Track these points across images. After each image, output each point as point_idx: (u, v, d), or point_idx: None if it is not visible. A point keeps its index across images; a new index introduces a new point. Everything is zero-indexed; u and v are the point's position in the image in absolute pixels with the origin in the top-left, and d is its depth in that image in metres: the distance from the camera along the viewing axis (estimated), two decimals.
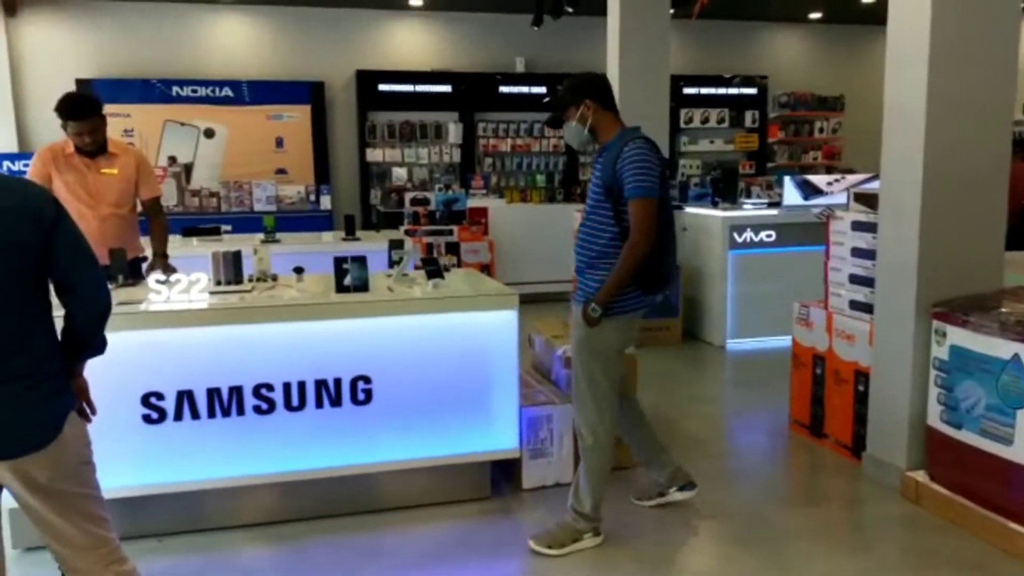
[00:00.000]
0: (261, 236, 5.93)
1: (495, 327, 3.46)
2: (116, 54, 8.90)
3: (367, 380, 3.41)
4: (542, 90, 9.79)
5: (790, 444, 4.44)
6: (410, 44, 9.65)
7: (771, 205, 7.07)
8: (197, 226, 6.26)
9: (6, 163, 7.93)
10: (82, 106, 3.90)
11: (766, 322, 6.51)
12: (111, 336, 2.98)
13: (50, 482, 2.01)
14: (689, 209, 7.11)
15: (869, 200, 4.19)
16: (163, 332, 3.20)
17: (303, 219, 8.01)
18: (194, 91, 9.07)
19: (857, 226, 4.17)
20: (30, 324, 2.00)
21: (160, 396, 3.20)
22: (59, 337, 2.13)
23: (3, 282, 1.92)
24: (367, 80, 9.44)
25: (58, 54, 8.69)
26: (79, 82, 8.42)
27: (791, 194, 6.99)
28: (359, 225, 7.81)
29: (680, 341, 6.60)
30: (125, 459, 3.19)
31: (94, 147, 3.96)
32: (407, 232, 7.49)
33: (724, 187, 7.01)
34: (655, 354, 5.98)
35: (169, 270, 3.98)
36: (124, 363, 3.14)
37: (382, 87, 9.48)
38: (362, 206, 9.50)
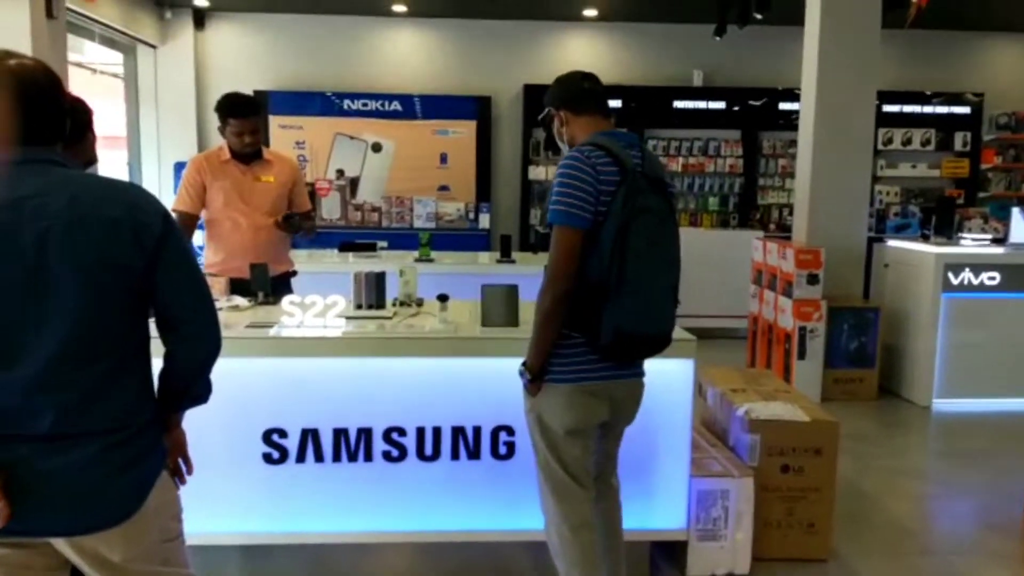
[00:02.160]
0: (415, 254, 5.66)
1: (666, 378, 2.85)
2: (292, 67, 9.06)
3: (510, 431, 2.94)
4: (721, 105, 9.06)
5: None
6: (581, 57, 9.22)
7: (994, 241, 6.02)
8: (354, 241, 6.08)
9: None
10: (244, 104, 3.78)
11: (985, 381, 5.52)
12: (236, 362, 2.69)
13: (125, 562, 1.63)
14: (891, 242, 6.18)
15: None
16: (291, 361, 2.88)
17: (461, 237, 7.75)
18: (364, 105, 9.08)
19: None
20: (122, 364, 1.64)
21: (283, 433, 2.88)
22: (155, 380, 1.78)
23: (94, 310, 1.57)
24: (534, 95, 9.07)
25: (238, 66, 8.96)
26: (256, 93, 8.61)
27: (1020, 229, 5.92)
28: (516, 246, 7.44)
29: (875, 396, 5.69)
30: (242, 501, 2.89)
31: (251, 149, 3.82)
32: None
33: (938, 219, 6.02)
34: (846, 411, 5.13)
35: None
36: (248, 394, 2.86)
37: None
38: (521, 226, 9.15)
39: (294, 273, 4.18)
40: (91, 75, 9.26)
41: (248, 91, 8.60)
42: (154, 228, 1.64)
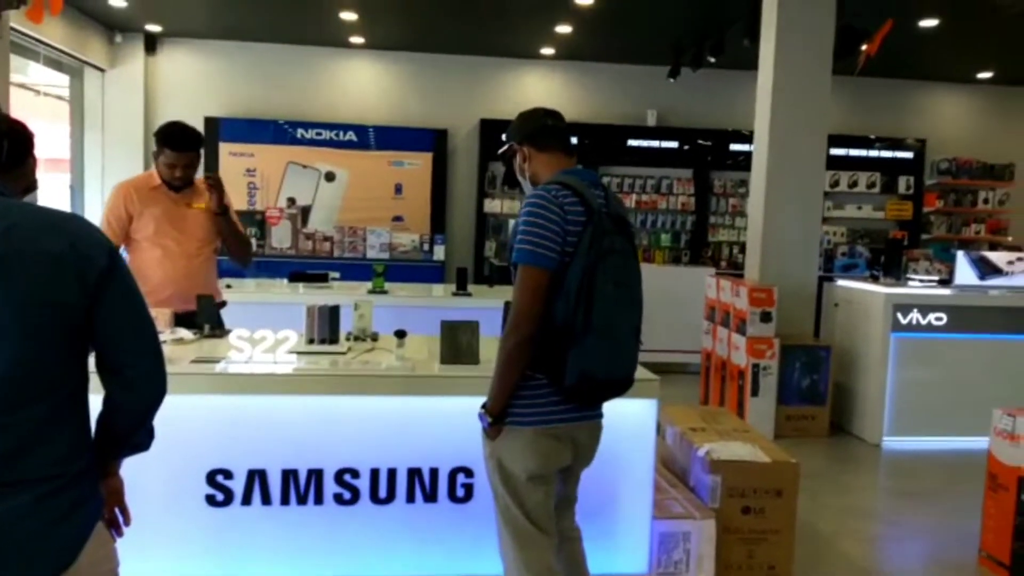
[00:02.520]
0: (369, 285, 5.54)
1: (628, 419, 2.81)
2: (245, 94, 8.92)
3: (469, 473, 2.85)
4: (674, 145, 9.20)
5: None
6: (537, 94, 9.29)
7: (940, 283, 6.16)
8: (305, 271, 5.94)
9: None
10: (184, 137, 3.55)
11: (933, 420, 5.60)
12: (179, 399, 2.55)
13: None
14: (841, 282, 6.28)
15: None
16: (238, 398, 2.75)
17: (415, 268, 7.66)
18: (318, 134, 8.98)
19: None
20: (58, 408, 1.51)
21: (228, 474, 2.74)
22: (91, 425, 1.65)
23: (30, 351, 1.45)
24: (490, 129, 9.09)
25: (190, 92, 8.79)
26: (207, 120, 8.45)
27: (964, 272, 6.06)
28: (471, 278, 7.37)
29: (827, 433, 5.73)
30: (184, 545, 2.73)
31: (180, 183, 3.62)
32: None
33: (887, 259, 6.15)
34: (798, 448, 5.12)
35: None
36: (192, 432, 2.72)
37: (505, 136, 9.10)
38: (476, 258, 9.11)
39: (223, 304, 3.95)
40: (34, 96, 9.00)
41: (199, 117, 8.50)
42: (98, 262, 1.53)
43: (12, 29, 5.81)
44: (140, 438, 1.71)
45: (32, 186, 2.05)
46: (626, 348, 2.23)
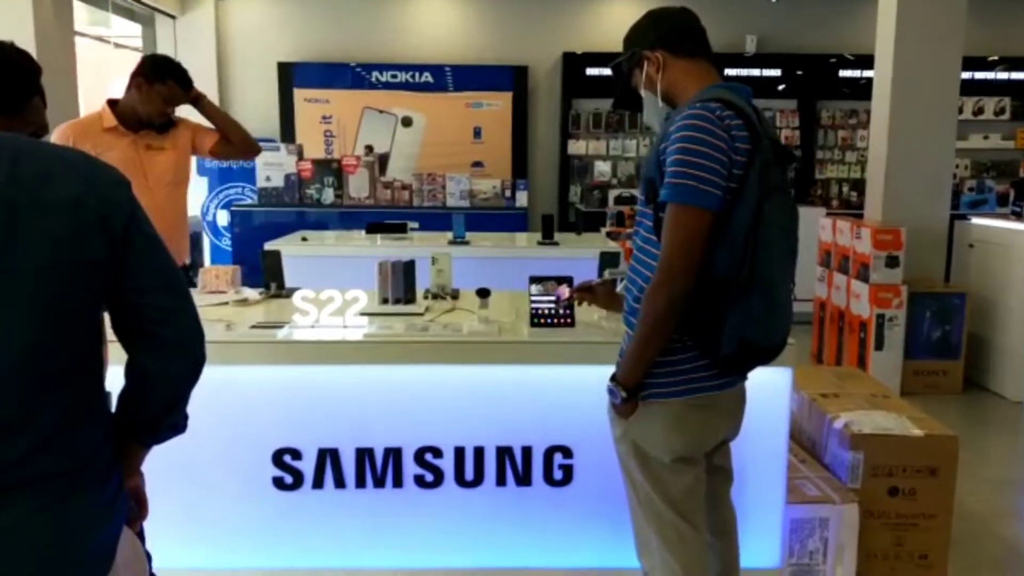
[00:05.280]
0: (449, 235, 5.19)
1: (759, 389, 2.32)
2: (318, 37, 8.58)
3: (567, 453, 2.47)
4: (775, 73, 8.43)
5: None
6: (624, 23, 8.54)
7: None
8: (382, 221, 5.63)
9: None
10: (186, 72, 3.14)
11: None
12: (239, 371, 2.28)
13: None
14: (977, 220, 5.57)
15: None
16: (304, 369, 2.42)
17: (497, 216, 7.24)
18: (394, 76, 8.61)
19: None
20: (86, 389, 1.26)
21: (297, 454, 2.43)
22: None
23: (52, 325, 1.17)
24: (573, 64, 8.54)
25: (262, 37, 8.49)
26: (280, 65, 8.18)
27: None
28: (556, 226, 6.93)
29: (960, 390, 5.12)
30: (250, 532, 2.45)
31: (166, 120, 3.16)
32: (610, 235, 6.54)
33: None
34: (929, 406, 4.50)
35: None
36: (256, 407, 2.42)
37: (590, 71, 8.53)
38: (560, 203, 8.64)
39: (188, 266, 3.46)
40: (111, 49, 8.90)
41: (271, 63, 8.25)
42: (122, 207, 1.26)
43: None
44: (177, 418, 1.40)
45: (42, 129, 1.74)
46: (787, 307, 1.83)
